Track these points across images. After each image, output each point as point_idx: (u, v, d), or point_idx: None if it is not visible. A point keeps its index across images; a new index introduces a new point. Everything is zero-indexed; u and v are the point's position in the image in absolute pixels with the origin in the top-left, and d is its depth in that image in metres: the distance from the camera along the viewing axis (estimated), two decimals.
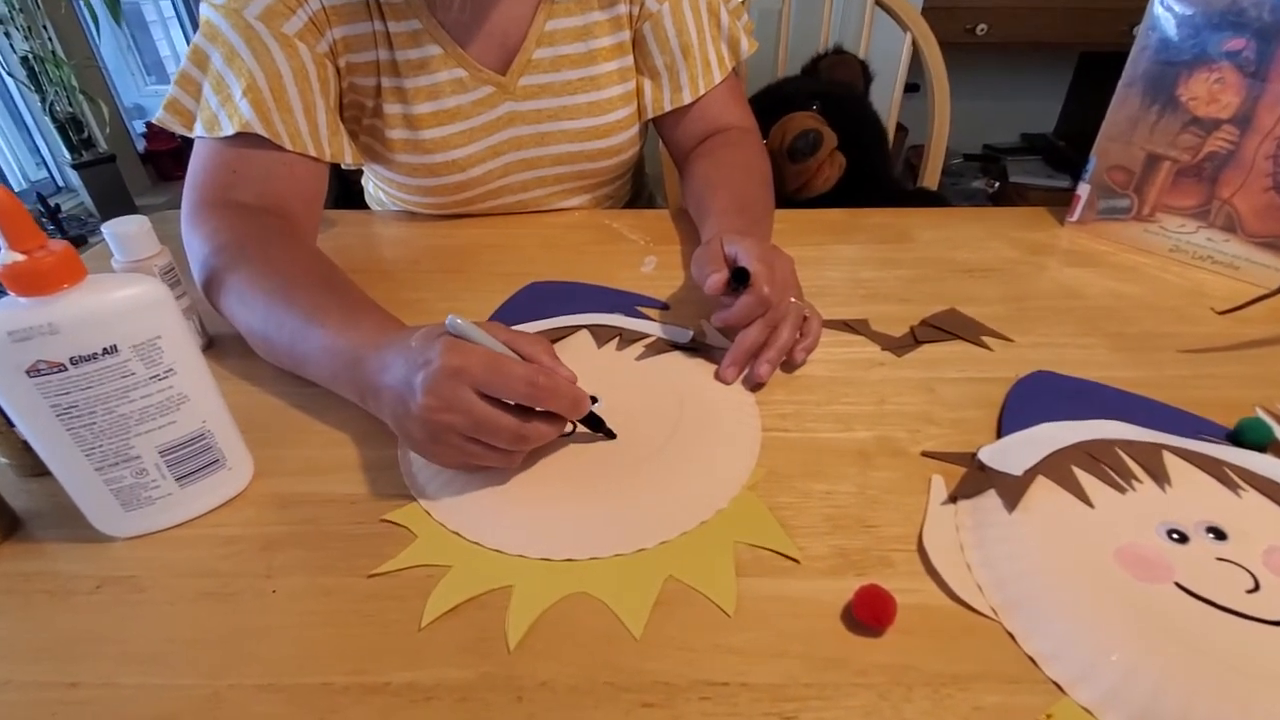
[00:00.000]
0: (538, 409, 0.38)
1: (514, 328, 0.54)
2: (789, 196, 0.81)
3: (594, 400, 0.43)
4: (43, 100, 1.78)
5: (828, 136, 0.78)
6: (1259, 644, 0.30)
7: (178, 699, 0.30)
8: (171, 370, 0.35)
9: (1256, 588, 0.33)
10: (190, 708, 0.30)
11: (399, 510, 0.39)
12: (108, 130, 1.92)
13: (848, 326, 0.55)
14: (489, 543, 0.37)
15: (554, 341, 0.53)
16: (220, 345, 0.54)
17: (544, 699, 0.30)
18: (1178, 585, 0.33)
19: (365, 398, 0.42)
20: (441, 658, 0.31)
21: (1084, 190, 0.69)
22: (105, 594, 0.35)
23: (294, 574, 0.36)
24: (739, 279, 0.48)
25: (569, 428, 0.44)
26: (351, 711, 0.29)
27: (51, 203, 1.87)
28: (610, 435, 0.43)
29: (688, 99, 0.71)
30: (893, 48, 0.99)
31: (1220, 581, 0.33)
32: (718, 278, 0.47)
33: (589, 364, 0.50)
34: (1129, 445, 0.41)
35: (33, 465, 0.40)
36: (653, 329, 0.54)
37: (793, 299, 0.50)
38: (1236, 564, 0.34)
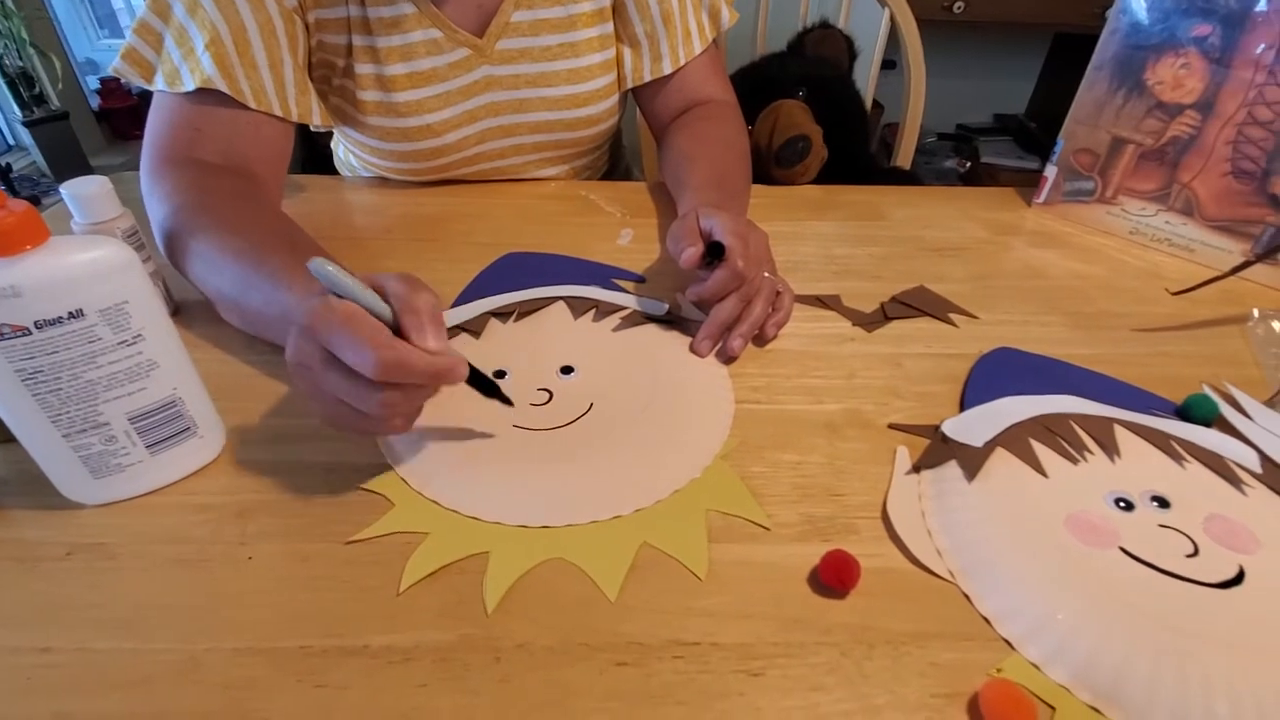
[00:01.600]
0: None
1: (487, 299, 0.55)
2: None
3: (500, 374, 0.42)
4: None
5: (815, 139, 0.77)
6: (1195, 604, 0.32)
7: (154, 663, 0.30)
8: (140, 336, 0.34)
9: (1195, 553, 0.35)
10: (168, 671, 0.30)
11: (376, 479, 0.39)
12: (60, 86, 1.83)
13: (820, 302, 0.57)
14: (466, 510, 0.37)
15: (530, 312, 0.53)
16: (187, 311, 0.53)
17: (521, 659, 0.31)
18: (1122, 550, 0.35)
19: None
20: (420, 621, 0.32)
21: (1051, 172, 0.71)
22: (76, 561, 0.35)
23: (269, 541, 0.36)
24: (714, 253, 0.48)
25: (547, 394, 0.44)
26: (331, 673, 0.30)
27: (2, 162, 1.78)
28: (507, 402, 0.41)
29: (668, 69, 0.71)
30: (870, 24, 0.99)
31: (1161, 547, 0.35)
32: (693, 252, 0.48)
33: (566, 335, 0.51)
34: (1083, 419, 0.43)
35: None
36: (629, 301, 0.55)
37: (766, 274, 0.51)
38: (1178, 530, 0.36)
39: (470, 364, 0.37)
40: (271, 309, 0.44)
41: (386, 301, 0.35)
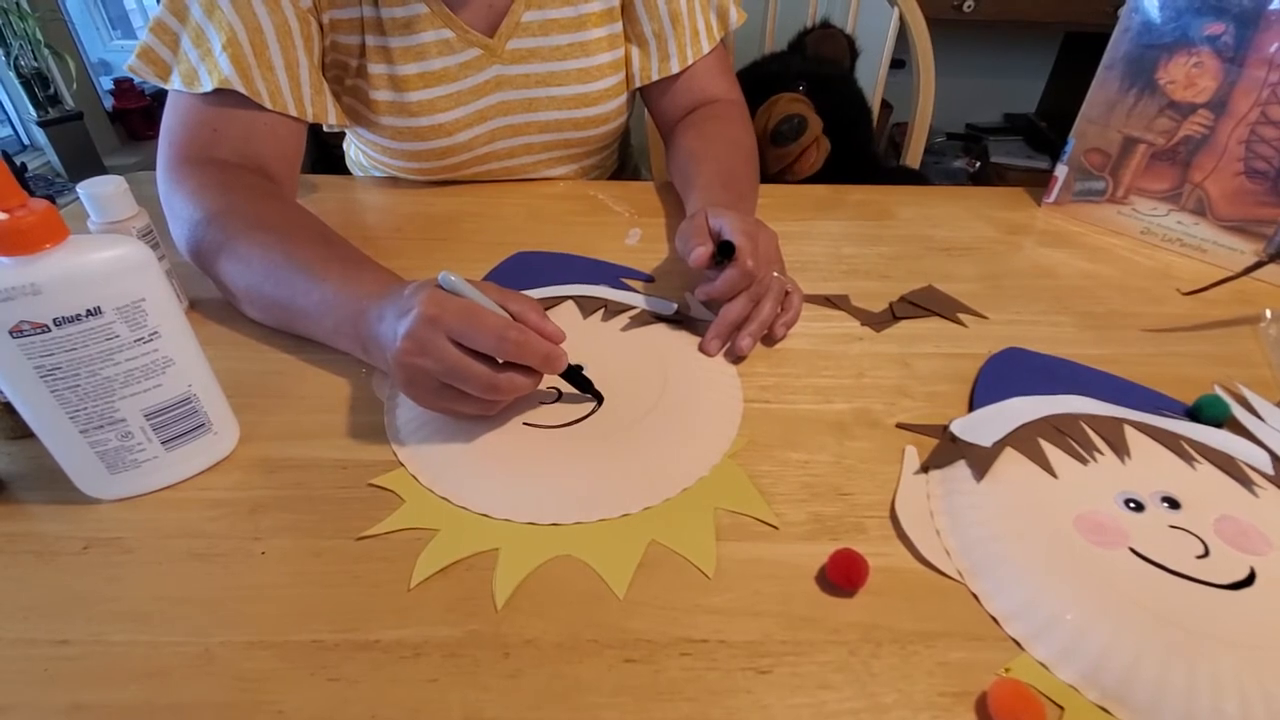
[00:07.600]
0: (512, 362, 0.39)
1: None
2: (772, 179, 0.81)
3: (580, 367, 0.44)
4: (6, 55, 1.71)
5: (813, 121, 0.77)
6: (1205, 605, 0.32)
7: (169, 655, 0.31)
8: (156, 333, 0.35)
9: (1206, 553, 0.35)
10: (182, 663, 0.30)
11: (386, 475, 0.40)
12: (74, 86, 1.85)
13: (828, 302, 0.57)
14: (476, 507, 0.38)
15: None
16: (200, 309, 0.54)
17: (530, 655, 0.31)
18: (1132, 550, 0.35)
19: (367, 348, 0.43)
20: (430, 616, 0.32)
21: (1061, 172, 0.71)
22: (92, 554, 0.35)
23: (282, 536, 0.36)
24: (723, 253, 0.48)
25: (555, 392, 0.45)
26: (342, 667, 0.30)
27: (17, 162, 1.80)
28: (598, 397, 0.44)
29: (676, 68, 0.71)
30: (879, 23, 0.98)
31: (1172, 547, 0.35)
32: (702, 251, 0.48)
33: (575, 334, 0.51)
34: (1093, 419, 0.43)
35: (14, 428, 0.40)
36: (637, 301, 0.55)
37: (775, 273, 0.51)
38: (1188, 531, 0.36)
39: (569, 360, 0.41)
40: (304, 300, 0.45)
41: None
